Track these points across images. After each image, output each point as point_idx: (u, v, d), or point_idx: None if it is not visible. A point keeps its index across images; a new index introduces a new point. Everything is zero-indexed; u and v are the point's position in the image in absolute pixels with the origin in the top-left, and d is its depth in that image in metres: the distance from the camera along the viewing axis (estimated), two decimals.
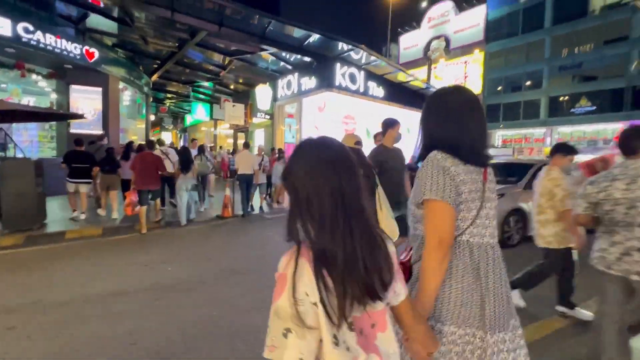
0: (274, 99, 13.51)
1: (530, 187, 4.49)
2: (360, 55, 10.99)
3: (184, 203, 6.13)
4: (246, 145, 7.82)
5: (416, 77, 13.36)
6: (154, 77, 14.61)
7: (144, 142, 8.10)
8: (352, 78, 11.24)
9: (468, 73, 31.80)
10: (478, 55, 31.93)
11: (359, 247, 0.66)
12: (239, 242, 5.39)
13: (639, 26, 23.94)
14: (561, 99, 28.54)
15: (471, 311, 0.97)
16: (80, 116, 8.31)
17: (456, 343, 0.96)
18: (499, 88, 32.92)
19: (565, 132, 28.90)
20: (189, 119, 22.54)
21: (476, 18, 33.43)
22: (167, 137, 24.50)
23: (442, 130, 1.07)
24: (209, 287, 3.52)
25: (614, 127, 26.16)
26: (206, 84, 16.24)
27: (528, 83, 30.54)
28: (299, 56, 11.73)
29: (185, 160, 6.17)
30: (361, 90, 11.65)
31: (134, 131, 14.01)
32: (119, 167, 6.35)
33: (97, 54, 10.53)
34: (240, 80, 14.88)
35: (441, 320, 0.99)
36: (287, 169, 0.73)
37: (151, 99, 15.38)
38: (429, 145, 1.10)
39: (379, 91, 12.30)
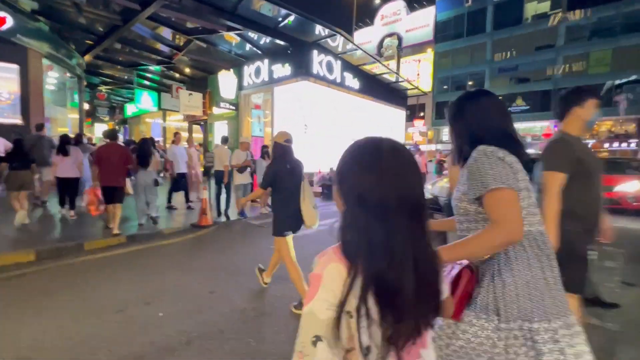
0: (239, 87, 12.16)
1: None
2: (336, 42, 10.28)
3: (143, 201, 5.46)
4: (224, 140, 6.65)
5: (393, 70, 13.07)
6: (88, 57, 12.20)
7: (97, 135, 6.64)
8: (330, 67, 10.49)
9: (420, 71, 33.26)
10: (429, 55, 33.52)
11: (419, 278, 0.59)
12: (237, 261, 4.02)
13: (563, 35, 27.07)
14: (500, 98, 31.15)
15: (554, 301, 0.95)
16: None
17: (552, 339, 0.91)
18: (445, 87, 34.93)
19: None
20: (130, 109, 19.70)
21: (426, 19, 35.03)
22: (102, 130, 21.18)
23: (489, 124, 1.09)
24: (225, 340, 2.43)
25: (542, 125, 29.46)
26: (154, 68, 14.12)
27: (472, 83, 32.82)
28: (269, 40, 10.61)
29: (142, 154, 5.43)
30: (338, 80, 10.97)
31: (63, 121, 11.53)
32: (33, 162, 5.37)
33: (10, 21, 8.24)
34: (197, 66, 13.16)
35: (529, 317, 0.93)
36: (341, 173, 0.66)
37: (85, 84, 12.83)
38: (474, 140, 1.08)
39: (355, 83, 11.75)
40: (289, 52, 9.82)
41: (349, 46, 10.63)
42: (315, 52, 9.80)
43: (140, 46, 11.31)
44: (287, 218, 2.75)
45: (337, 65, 10.68)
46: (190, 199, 7.14)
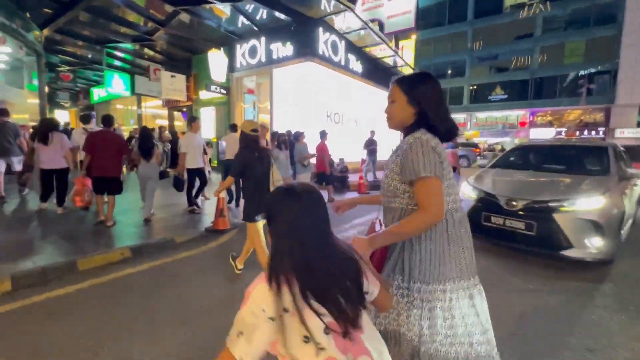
0: (231, 69, 10.94)
1: (626, 178, 3.87)
2: (340, 20, 9.39)
3: (149, 193, 5.04)
4: (233, 128, 5.70)
5: (398, 54, 12.36)
6: (47, 31, 10.40)
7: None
8: (335, 48, 9.59)
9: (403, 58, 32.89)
10: (411, 42, 33.16)
11: (335, 264, 0.82)
12: None
13: (540, 26, 27.69)
14: (477, 87, 31.73)
15: (450, 267, 1.14)
16: None
17: (441, 298, 1.12)
18: None
19: (481, 117, 32.47)
20: (97, 94, 17.59)
21: (408, 5, 34.52)
22: (63, 117, 18.83)
23: (441, 109, 1.19)
24: None
25: (518, 114, 30.38)
26: (128, 46, 12.43)
27: (452, 71, 33.04)
28: (266, 15, 9.49)
29: (145, 145, 4.99)
30: (342, 63, 10.11)
31: (21, 106, 9.75)
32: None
33: None
34: (180, 44, 11.69)
35: (426, 281, 1.13)
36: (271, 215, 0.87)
37: (44, 62, 10.98)
38: (422, 122, 1.19)
39: (358, 66, 10.94)
40: (292, 28, 8.79)
41: (354, 24, 9.77)
42: (320, 29, 8.85)
43: (113, 18, 9.72)
44: (257, 204, 2.82)
45: (341, 45, 9.80)
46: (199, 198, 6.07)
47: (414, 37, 30.86)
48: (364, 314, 0.84)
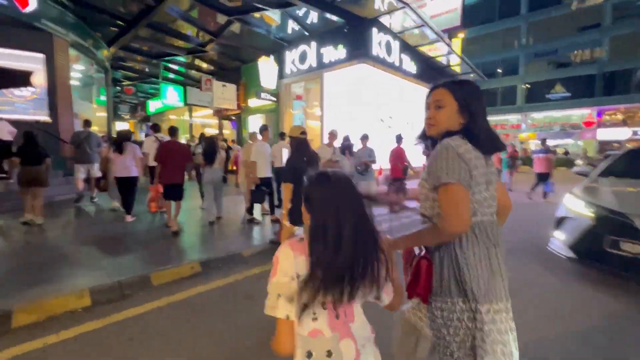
0: (280, 75, 10.92)
1: None
2: (393, 19, 8.91)
3: (211, 197, 5.32)
4: (282, 136, 5.59)
5: (455, 52, 11.58)
6: (113, 49, 11.17)
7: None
8: (388, 48, 9.14)
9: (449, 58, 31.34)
10: (457, 41, 31.53)
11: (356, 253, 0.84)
12: None
13: (610, 14, 24.81)
14: (533, 85, 29.15)
15: (497, 285, 1.06)
16: (26, 81, 5.44)
17: (494, 320, 1.04)
18: (472, 76, 32.97)
19: (538, 118, 29.74)
20: (153, 106, 18.75)
21: (453, 3, 32.99)
22: (123, 127, 20.33)
23: (482, 124, 1.11)
24: None
25: (582, 113, 27.33)
26: (181, 58, 13.02)
27: (504, 70, 30.79)
28: (316, 19, 9.33)
29: (209, 151, 5.26)
30: (396, 63, 9.60)
31: (91, 119, 10.51)
32: (46, 157, 5.09)
33: (33, 2, 7.17)
34: (230, 54, 11.97)
35: (477, 300, 1.04)
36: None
37: (111, 78, 11.84)
38: (462, 133, 1.12)
39: (412, 67, 10.36)
40: (345, 29, 8.49)
41: (407, 23, 9.26)
42: (374, 30, 8.46)
43: (170, 32, 10.17)
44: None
45: (395, 45, 9.32)
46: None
47: (460, 35, 29.34)
48: (357, 306, 0.91)
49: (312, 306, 0.83)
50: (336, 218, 0.83)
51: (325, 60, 9.22)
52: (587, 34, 25.85)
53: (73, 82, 9.28)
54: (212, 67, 13.97)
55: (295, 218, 2.71)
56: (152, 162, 5.55)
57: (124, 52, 12.06)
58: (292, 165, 2.83)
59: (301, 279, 0.83)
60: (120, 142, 5.17)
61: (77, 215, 5.85)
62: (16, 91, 7.43)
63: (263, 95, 10.38)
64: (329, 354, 0.83)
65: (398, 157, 6.09)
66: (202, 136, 9.53)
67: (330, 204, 0.84)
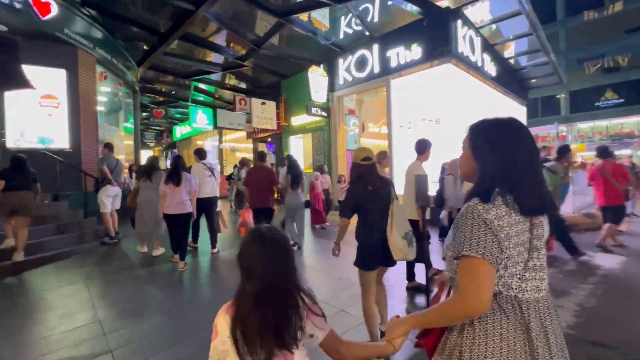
0: (331, 87, 9.41)
1: None
2: (475, 11, 7.32)
3: (293, 225, 5.16)
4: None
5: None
6: (142, 69, 10.05)
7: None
8: (471, 45, 7.49)
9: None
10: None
11: (271, 313, 0.87)
12: None
13: None
14: (578, 93, 26.92)
15: None
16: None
17: None
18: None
19: (585, 128, 27.28)
20: (179, 132, 17.69)
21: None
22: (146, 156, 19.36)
23: (507, 173, 0.88)
24: None
25: (638, 120, 24.78)
26: (212, 77, 11.83)
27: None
28: (376, 18, 7.86)
29: (295, 174, 5.09)
30: (479, 64, 7.91)
31: (117, 147, 9.19)
32: (35, 182, 4.51)
33: (55, 9, 5.97)
34: (269, 67, 10.64)
35: None
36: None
37: (139, 101, 10.68)
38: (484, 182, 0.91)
39: (491, 68, 8.63)
40: (424, 24, 6.91)
41: (482, 17, 7.66)
42: (459, 22, 6.85)
43: (206, 44, 8.92)
44: (372, 249, 2.25)
45: (477, 42, 7.68)
46: None
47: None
48: (299, 353, 0.91)
49: None
50: (257, 278, 0.87)
51: (392, 63, 7.63)
52: (636, 36, 23.78)
53: (99, 106, 8.03)
54: (246, 86, 12.72)
55: (361, 260, 2.28)
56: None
57: (153, 72, 10.96)
58: (352, 196, 2.31)
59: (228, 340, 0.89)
60: (177, 170, 4.38)
61: (121, 267, 4.22)
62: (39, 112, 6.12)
63: (314, 110, 8.83)
64: None
65: (617, 174, 4.41)
66: (243, 161, 8.08)
67: (254, 264, 0.89)
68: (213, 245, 5.03)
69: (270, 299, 0.87)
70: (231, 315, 0.89)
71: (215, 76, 11.72)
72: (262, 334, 0.84)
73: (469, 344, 0.87)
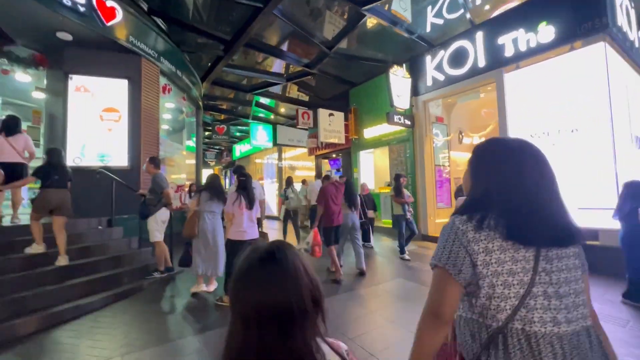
0: (414, 91, 7.87)
1: None
2: None
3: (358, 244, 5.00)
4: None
5: None
6: (206, 85, 9.58)
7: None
8: (629, 19, 5.44)
9: None
10: None
11: None
12: None
13: None
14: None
15: None
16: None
17: None
18: None
19: None
20: (239, 150, 17.43)
21: None
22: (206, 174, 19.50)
23: (496, 194, 0.86)
24: None
25: None
26: (274, 90, 11.06)
27: None
28: (478, 0, 6.23)
29: (349, 192, 5.08)
30: (636, 44, 5.78)
31: (179, 166, 8.62)
32: (69, 180, 4.02)
33: (120, 15, 5.40)
34: (339, 74, 9.49)
35: None
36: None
37: (202, 117, 10.25)
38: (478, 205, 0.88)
39: None
40: None
41: None
42: None
43: (270, 50, 8.07)
44: None
45: (632, 15, 5.61)
46: None
47: None
48: None
49: None
50: (251, 316, 0.63)
51: (507, 52, 5.87)
52: None
53: (162, 124, 7.48)
54: (306, 98, 11.77)
55: None
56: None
57: (215, 87, 10.53)
58: None
59: None
60: (245, 184, 3.81)
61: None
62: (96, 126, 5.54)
63: (396, 118, 7.33)
64: None
65: None
66: (290, 180, 7.82)
67: (244, 293, 0.66)
68: None
69: (276, 339, 0.62)
70: None
71: (276, 89, 10.94)
72: None
73: None
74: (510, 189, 0.84)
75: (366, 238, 6.76)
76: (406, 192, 6.11)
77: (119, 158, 5.66)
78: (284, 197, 7.78)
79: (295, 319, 0.63)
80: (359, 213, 5.33)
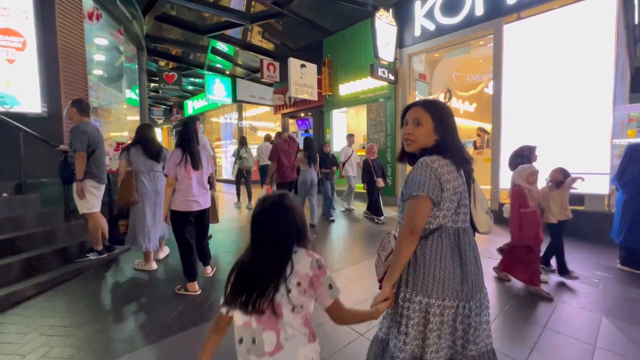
0: (399, 43, 7.04)
1: None
2: None
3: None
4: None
5: None
6: (149, 18, 7.79)
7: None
8: None
9: None
10: None
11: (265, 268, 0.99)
12: None
13: None
14: None
15: (453, 285, 1.14)
16: None
17: (440, 313, 1.14)
18: None
19: None
20: (192, 106, 15.47)
21: None
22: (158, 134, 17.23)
23: (454, 143, 1.22)
24: None
25: None
26: (236, 35, 9.49)
27: None
28: None
29: (311, 152, 5.21)
30: None
31: (119, 122, 7.01)
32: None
33: None
34: (313, 18, 8.24)
35: (428, 294, 1.15)
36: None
37: (146, 61, 8.42)
38: (435, 150, 1.22)
39: None
40: None
41: None
42: None
43: None
44: None
45: None
46: None
47: None
48: (284, 307, 0.98)
49: (234, 305, 0.98)
50: (257, 239, 1.01)
51: (508, 0, 5.25)
52: None
53: (95, 69, 5.83)
54: (272, 47, 10.34)
55: None
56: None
57: (163, 27, 8.68)
58: None
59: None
60: (191, 141, 2.95)
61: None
62: None
63: (381, 72, 6.51)
64: (254, 340, 0.97)
65: None
66: (243, 140, 7.75)
67: (256, 225, 1.02)
68: (205, 261, 3.32)
69: (272, 254, 0.99)
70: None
71: (236, 32, 9.33)
72: (251, 275, 0.98)
73: (421, 255, 1.17)
74: (455, 137, 1.23)
75: (376, 210, 5.89)
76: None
77: (29, 102, 4.19)
78: (236, 156, 7.60)
79: (282, 244, 1.01)
80: (317, 171, 5.46)
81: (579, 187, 3.35)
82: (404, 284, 1.20)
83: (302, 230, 1.03)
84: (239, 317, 0.99)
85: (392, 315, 1.26)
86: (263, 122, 14.25)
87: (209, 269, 3.35)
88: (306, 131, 10.95)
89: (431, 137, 1.20)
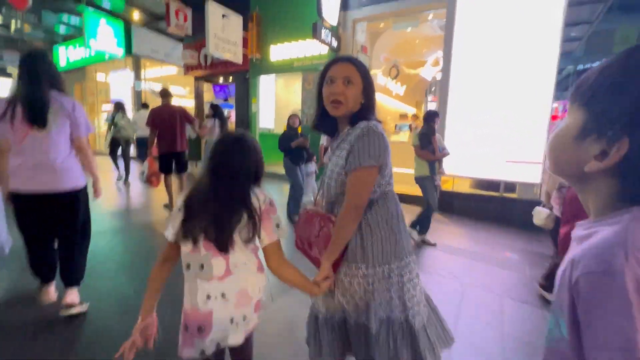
0: (344, 5, 6.13)
1: None
2: None
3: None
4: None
5: None
6: None
7: None
8: None
9: None
10: None
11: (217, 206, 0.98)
12: None
13: None
14: None
15: (390, 249, 1.10)
16: None
17: (378, 279, 1.09)
18: None
19: None
20: (66, 56, 11.70)
21: None
22: (5, 87, 12.69)
23: (374, 108, 1.16)
24: None
25: None
26: None
27: None
28: None
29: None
30: None
31: None
32: None
33: None
34: None
35: (372, 264, 1.09)
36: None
37: None
38: (360, 115, 1.12)
39: None
40: None
41: None
42: None
43: None
44: None
45: None
46: None
47: None
48: (237, 244, 1.00)
49: (183, 232, 0.98)
50: (217, 170, 1.00)
51: None
52: None
53: None
54: None
55: None
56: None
57: None
58: None
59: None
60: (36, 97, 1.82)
61: None
62: None
63: (324, 34, 5.50)
64: (202, 267, 0.98)
65: None
66: (120, 104, 6.71)
67: (217, 157, 1.01)
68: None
69: (227, 186, 0.99)
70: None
71: None
72: (207, 204, 0.98)
73: (367, 226, 1.10)
74: (374, 99, 1.16)
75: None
76: (440, 141, 3.79)
77: None
78: (110, 123, 6.56)
79: (241, 177, 1.00)
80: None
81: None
82: (359, 261, 1.11)
83: (259, 169, 1.07)
84: (186, 245, 1.00)
85: (356, 298, 1.12)
86: (171, 86, 11.76)
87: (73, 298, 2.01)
88: (225, 100, 9.30)
89: (358, 100, 1.11)
